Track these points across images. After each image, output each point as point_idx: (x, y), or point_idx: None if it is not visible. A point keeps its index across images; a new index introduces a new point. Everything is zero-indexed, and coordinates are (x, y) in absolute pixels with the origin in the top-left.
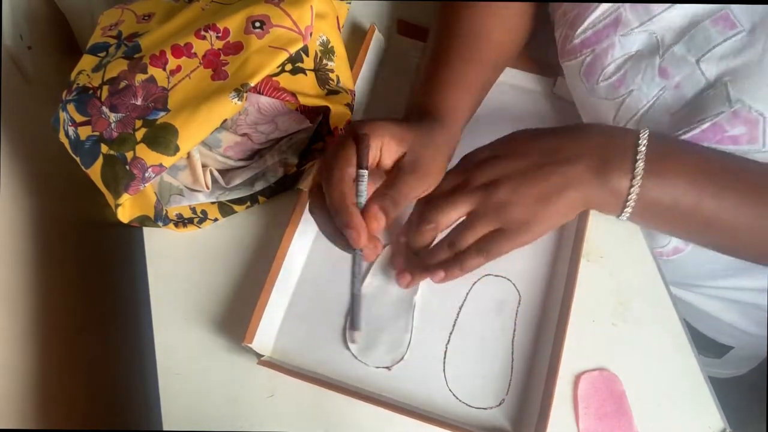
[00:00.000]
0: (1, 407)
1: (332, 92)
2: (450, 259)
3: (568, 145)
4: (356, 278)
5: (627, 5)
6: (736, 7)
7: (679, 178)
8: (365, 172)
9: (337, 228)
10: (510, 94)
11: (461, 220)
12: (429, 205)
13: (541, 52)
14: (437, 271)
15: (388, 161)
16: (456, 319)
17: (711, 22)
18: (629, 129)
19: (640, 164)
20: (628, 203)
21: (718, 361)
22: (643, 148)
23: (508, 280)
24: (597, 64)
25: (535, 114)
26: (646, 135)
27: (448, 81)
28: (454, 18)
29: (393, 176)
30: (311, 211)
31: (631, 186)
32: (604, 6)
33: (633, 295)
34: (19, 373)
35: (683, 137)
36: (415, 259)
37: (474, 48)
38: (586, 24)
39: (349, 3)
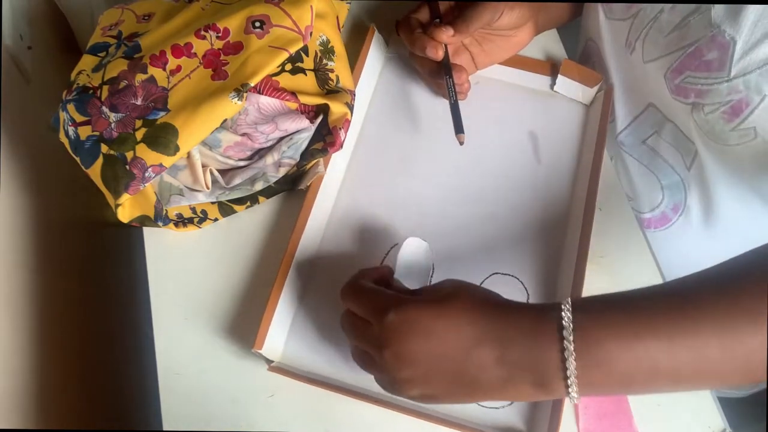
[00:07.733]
0: (1, 407)
1: (332, 92)
2: None
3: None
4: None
5: None
6: None
7: (620, 351)
8: None
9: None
10: (510, 93)
11: None
12: (349, 323)
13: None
14: None
15: None
16: None
17: None
18: (548, 309)
19: (571, 363)
20: (571, 394)
21: None
22: (570, 339)
23: (516, 278)
24: None
25: (535, 113)
26: (570, 322)
27: None
28: None
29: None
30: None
31: (568, 386)
32: None
33: None
34: (19, 373)
35: (675, 63)
36: None
37: None
38: None
39: (349, 3)
